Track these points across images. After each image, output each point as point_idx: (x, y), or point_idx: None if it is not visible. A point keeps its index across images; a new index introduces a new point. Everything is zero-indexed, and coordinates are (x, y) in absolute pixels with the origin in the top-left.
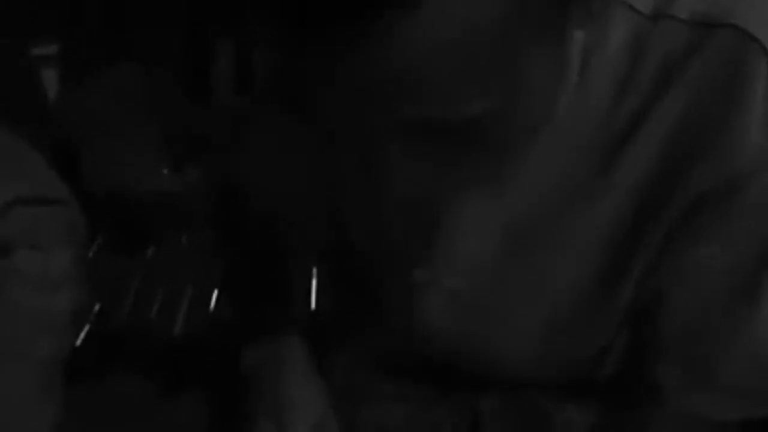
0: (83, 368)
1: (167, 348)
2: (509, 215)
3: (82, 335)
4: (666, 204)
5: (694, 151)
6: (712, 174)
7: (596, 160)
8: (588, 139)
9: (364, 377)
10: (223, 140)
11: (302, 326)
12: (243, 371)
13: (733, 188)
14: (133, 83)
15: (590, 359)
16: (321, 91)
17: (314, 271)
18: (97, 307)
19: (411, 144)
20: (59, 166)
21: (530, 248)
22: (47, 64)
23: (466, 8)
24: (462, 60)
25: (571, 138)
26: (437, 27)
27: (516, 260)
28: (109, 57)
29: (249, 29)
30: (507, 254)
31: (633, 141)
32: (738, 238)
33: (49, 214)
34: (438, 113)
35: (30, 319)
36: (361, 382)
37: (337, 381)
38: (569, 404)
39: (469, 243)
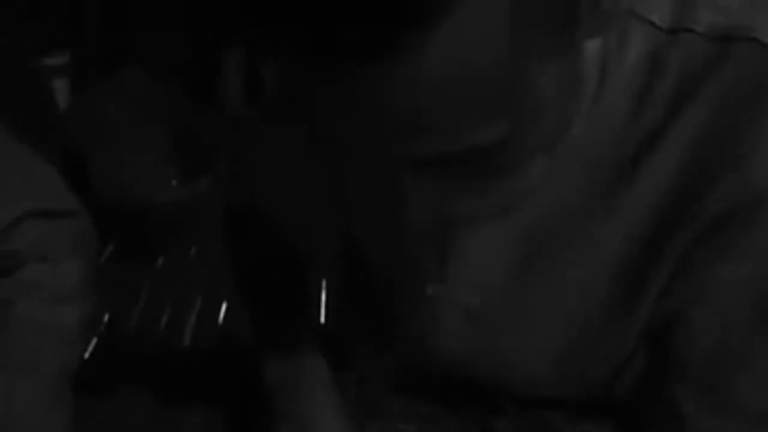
0: (92, 380)
1: (176, 359)
2: (524, 232)
3: (91, 347)
4: (685, 222)
5: (714, 168)
6: (734, 191)
7: (612, 177)
8: (604, 156)
9: (374, 394)
10: (233, 151)
11: (316, 339)
12: (264, 385)
13: (756, 205)
14: (142, 94)
15: (606, 378)
16: (330, 117)
17: (324, 284)
18: (106, 318)
19: (422, 172)
20: (69, 177)
21: (545, 266)
22: (57, 75)
23: (474, 35)
24: (472, 89)
25: (587, 154)
26: (446, 56)
27: (530, 278)
28: (118, 68)
29: (258, 42)
30: (521, 271)
31: (650, 158)
32: (760, 256)
33: (59, 226)
34: (449, 145)
35: (39, 333)
36: (371, 398)
37: (346, 397)
38: (584, 423)
39: (483, 260)
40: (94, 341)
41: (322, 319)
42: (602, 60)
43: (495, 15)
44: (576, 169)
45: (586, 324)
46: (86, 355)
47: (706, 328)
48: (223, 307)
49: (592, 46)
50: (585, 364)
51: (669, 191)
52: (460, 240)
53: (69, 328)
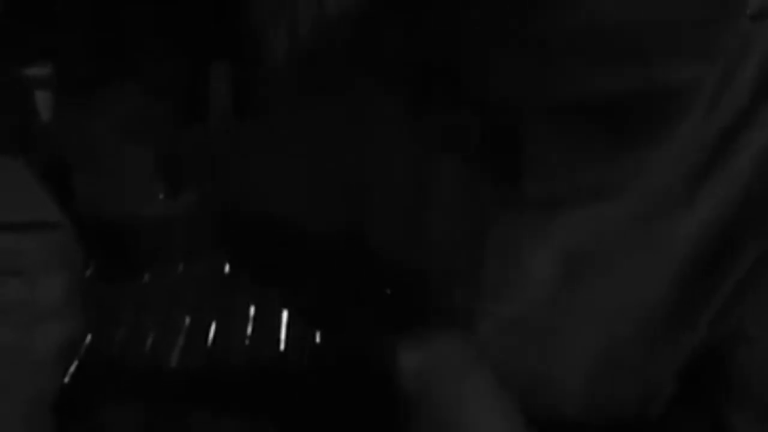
0: (73, 405)
1: (163, 382)
2: (574, 238)
3: (72, 369)
4: (751, 239)
5: None
6: None
7: (679, 183)
8: (673, 160)
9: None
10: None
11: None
12: (404, 383)
13: None
14: (128, 106)
15: (638, 401)
16: (474, 49)
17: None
18: (88, 339)
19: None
20: (52, 190)
21: (591, 277)
22: (39, 86)
23: None
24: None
25: (675, 152)
26: None
27: (577, 289)
28: (103, 79)
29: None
30: (569, 281)
31: (720, 166)
32: None
33: (37, 239)
34: (635, 82)
35: (14, 355)
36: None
37: None
38: None
39: (524, 266)
40: (75, 363)
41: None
42: None
43: None
44: (664, 166)
45: (630, 341)
46: (66, 378)
47: None
48: (213, 326)
49: None
50: (619, 385)
51: (738, 202)
52: (502, 239)
53: (48, 350)
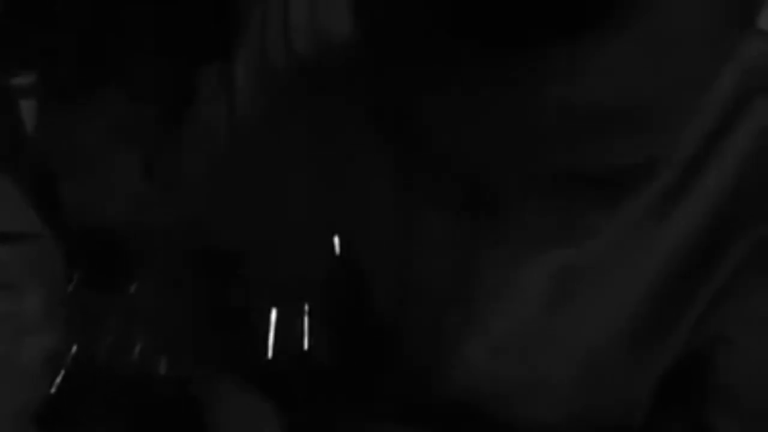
0: (59, 416)
1: (151, 391)
2: (560, 260)
3: (58, 380)
4: (730, 246)
5: (762, 185)
6: None
7: (654, 198)
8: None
9: (373, 428)
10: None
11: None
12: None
13: None
14: (115, 112)
15: (625, 408)
16: (453, 130)
17: (306, 308)
18: (74, 350)
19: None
20: (37, 198)
21: (576, 294)
22: (23, 95)
23: (677, 24)
24: (658, 92)
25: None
26: (641, 49)
27: (565, 308)
28: (89, 85)
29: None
30: (556, 300)
31: (697, 176)
32: None
33: (17, 250)
34: (596, 163)
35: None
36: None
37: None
38: None
39: (518, 284)
40: (61, 374)
41: (305, 346)
42: None
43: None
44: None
45: (609, 353)
46: (52, 389)
47: (753, 355)
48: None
49: None
50: (602, 395)
51: (716, 211)
52: (494, 260)
53: (31, 362)
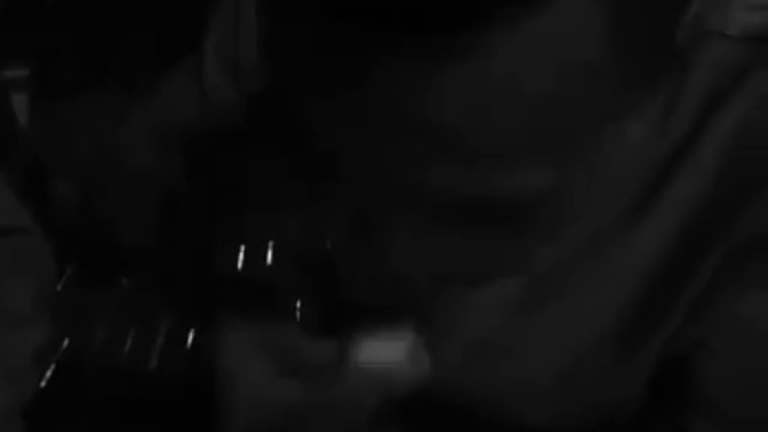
0: (49, 412)
1: (142, 385)
2: (533, 265)
3: (48, 375)
4: (709, 251)
5: (744, 189)
6: (765, 214)
7: (631, 202)
8: (623, 180)
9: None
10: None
11: None
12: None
13: None
14: (112, 107)
15: (611, 407)
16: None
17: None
18: (65, 344)
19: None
20: (28, 193)
21: (552, 297)
22: (16, 88)
23: (562, 47)
24: (536, 116)
25: (606, 179)
26: (522, 67)
27: (536, 315)
28: (83, 81)
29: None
30: (527, 301)
31: (673, 179)
32: None
33: (6, 243)
34: (495, 181)
35: None
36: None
37: None
38: None
39: (487, 289)
40: (51, 368)
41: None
42: None
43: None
44: (598, 199)
45: (594, 355)
46: (42, 384)
47: (731, 360)
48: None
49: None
50: (589, 396)
51: (693, 215)
52: (466, 259)
53: (20, 357)
